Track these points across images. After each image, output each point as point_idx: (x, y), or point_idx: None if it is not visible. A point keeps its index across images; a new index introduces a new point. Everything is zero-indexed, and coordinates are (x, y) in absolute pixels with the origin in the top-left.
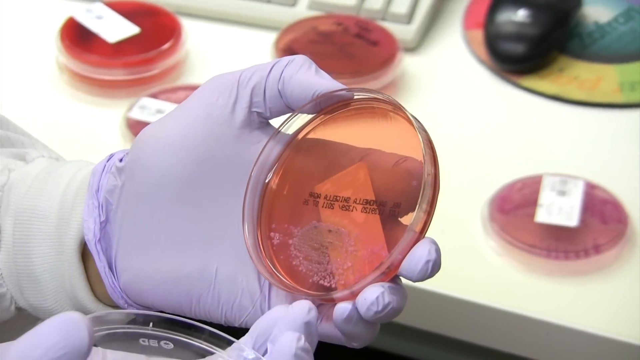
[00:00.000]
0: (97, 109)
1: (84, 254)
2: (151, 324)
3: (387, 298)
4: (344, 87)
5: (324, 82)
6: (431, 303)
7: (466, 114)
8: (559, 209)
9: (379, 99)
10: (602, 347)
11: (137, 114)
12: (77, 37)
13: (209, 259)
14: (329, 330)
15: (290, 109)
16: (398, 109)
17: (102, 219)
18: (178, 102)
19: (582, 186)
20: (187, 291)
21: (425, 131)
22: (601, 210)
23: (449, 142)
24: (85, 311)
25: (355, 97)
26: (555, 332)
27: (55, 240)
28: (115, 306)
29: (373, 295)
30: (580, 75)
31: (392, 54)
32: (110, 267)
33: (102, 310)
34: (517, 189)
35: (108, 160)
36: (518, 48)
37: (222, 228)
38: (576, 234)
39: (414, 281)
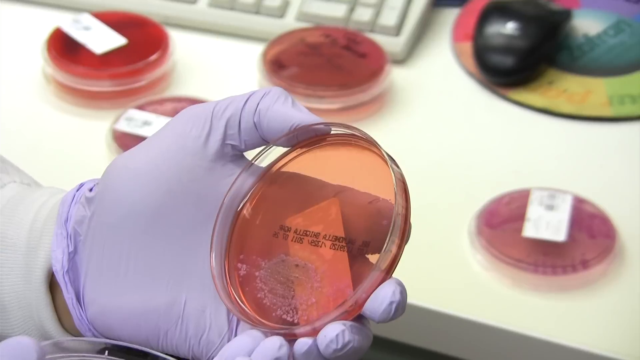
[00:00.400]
0: (84, 120)
1: (52, 284)
2: (107, 353)
3: (347, 337)
4: (321, 120)
5: (301, 115)
6: (418, 318)
7: (454, 127)
8: (547, 223)
9: (355, 135)
10: None
11: (123, 126)
12: (64, 48)
13: (178, 292)
14: None
15: (265, 141)
16: (372, 145)
17: (71, 249)
18: (165, 113)
19: (570, 200)
20: (155, 325)
21: (399, 169)
22: (589, 225)
23: (436, 155)
24: None
25: (332, 131)
26: (542, 347)
27: (24, 268)
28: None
29: (333, 333)
30: (569, 89)
31: (380, 66)
32: (78, 299)
33: (61, 337)
34: (504, 203)
35: (78, 190)
36: (507, 61)
37: (191, 261)
38: (564, 248)
39: (377, 322)
